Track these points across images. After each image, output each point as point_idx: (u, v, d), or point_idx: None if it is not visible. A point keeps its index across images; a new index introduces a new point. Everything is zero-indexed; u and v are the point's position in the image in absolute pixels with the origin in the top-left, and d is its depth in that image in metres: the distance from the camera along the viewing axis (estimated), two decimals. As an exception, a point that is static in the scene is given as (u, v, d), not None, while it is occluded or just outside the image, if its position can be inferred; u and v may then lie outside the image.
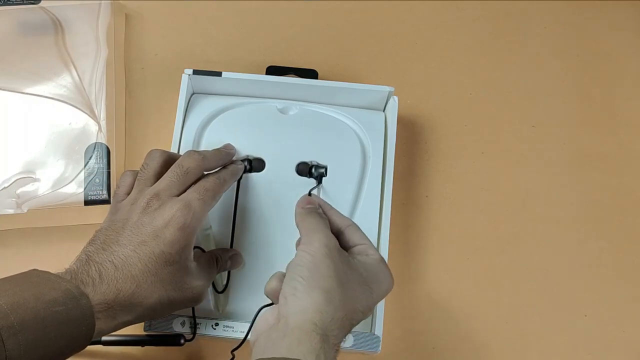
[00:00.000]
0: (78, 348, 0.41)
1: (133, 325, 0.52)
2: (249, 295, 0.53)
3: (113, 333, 0.52)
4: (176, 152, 0.56)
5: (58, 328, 0.38)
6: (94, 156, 0.57)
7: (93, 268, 0.42)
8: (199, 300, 0.47)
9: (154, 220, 0.44)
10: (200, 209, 0.45)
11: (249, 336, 0.45)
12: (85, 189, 0.55)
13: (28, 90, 0.58)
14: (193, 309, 0.51)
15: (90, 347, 0.53)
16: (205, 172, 0.49)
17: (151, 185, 0.47)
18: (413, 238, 0.59)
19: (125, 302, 0.42)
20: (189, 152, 0.49)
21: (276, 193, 0.53)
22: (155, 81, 0.63)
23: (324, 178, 0.56)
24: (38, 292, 0.38)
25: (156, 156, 0.49)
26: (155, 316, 0.46)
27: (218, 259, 0.50)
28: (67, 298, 0.39)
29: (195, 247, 0.52)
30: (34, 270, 0.41)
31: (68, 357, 0.40)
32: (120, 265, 0.42)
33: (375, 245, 0.55)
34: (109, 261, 0.42)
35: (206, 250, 0.53)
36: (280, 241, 0.54)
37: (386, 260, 0.53)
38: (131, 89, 0.63)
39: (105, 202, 0.55)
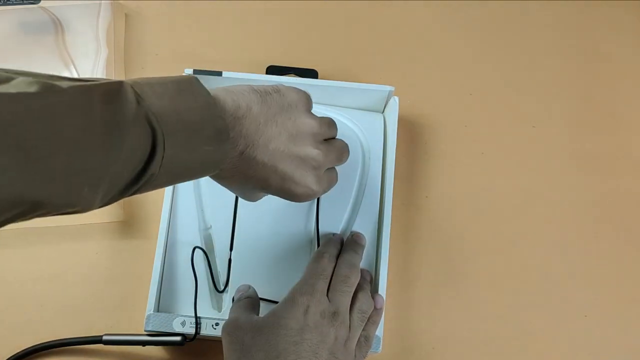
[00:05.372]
0: (201, 176, 0.40)
1: (134, 325, 0.53)
2: (249, 295, 0.53)
3: (114, 333, 0.52)
4: None
5: (202, 159, 0.37)
6: (94, 156, 0.56)
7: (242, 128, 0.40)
8: (303, 200, 0.46)
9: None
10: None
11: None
12: (85, 189, 0.55)
13: (28, 90, 0.58)
14: (195, 309, 0.51)
15: (90, 347, 0.53)
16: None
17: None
18: (413, 238, 0.59)
19: (241, 181, 0.42)
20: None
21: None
22: (155, 81, 0.63)
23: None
24: (201, 122, 0.37)
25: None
26: (268, 192, 0.45)
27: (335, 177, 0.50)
28: (217, 141, 0.38)
29: (196, 247, 0.52)
30: (199, 85, 0.38)
31: (197, 177, 0.40)
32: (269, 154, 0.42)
33: (375, 246, 0.55)
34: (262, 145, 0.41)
35: (206, 250, 0.53)
36: (281, 241, 0.54)
37: (387, 260, 0.53)
38: (131, 89, 0.63)
39: (106, 202, 0.55)
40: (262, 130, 0.41)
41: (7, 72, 0.30)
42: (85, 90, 0.31)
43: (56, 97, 0.30)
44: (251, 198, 0.47)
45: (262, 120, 0.41)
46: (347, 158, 0.49)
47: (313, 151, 0.43)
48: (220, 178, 0.43)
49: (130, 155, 0.33)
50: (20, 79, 0.29)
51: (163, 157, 0.34)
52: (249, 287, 0.51)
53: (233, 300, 0.51)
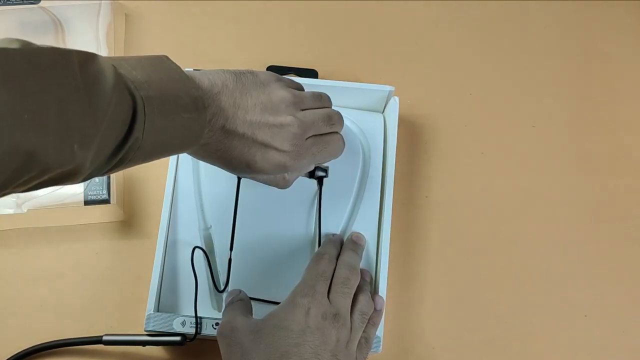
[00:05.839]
0: (185, 149, 0.42)
1: (134, 325, 0.53)
2: (249, 295, 0.53)
3: (114, 333, 0.52)
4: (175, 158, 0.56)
5: (182, 128, 0.39)
6: (94, 156, 0.56)
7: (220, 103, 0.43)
8: (294, 168, 0.48)
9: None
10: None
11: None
12: (85, 189, 0.55)
13: (28, 90, 0.58)
14: (195, 309, 0.51)
15: (90, 347, 0.53)
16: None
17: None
18: (413, 238, 0.59)
19: (227, 156, 0.44)
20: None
21: (276, 193, 0.53)
22: (155, 81, 0.63)
23: (324, 179, 0.56)
24: (177, 91, 0.39)
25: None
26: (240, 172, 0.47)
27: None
28: (194, 110, 0.40)
29: (195, 247, 0.52)
30: (171, 62, 0.41)
31: (176, 153, 0.42)
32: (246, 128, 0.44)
33: (375, 246, 0.55)
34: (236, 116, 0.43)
35: (206, 250, 0.53)
36: (281, 240, 0.54)
37: (387, 260, 0.53)
38: (131, 89, 0.63)
39: (105, 202, 0.55)
40: (238, 104, 0.43)
41: None
42: (62, 52, 0.32)
43: (38, 54, 0.31)
44: (244, 174, 0.48)
45: (238, 95, 0.43)
46: (339, 122, 0.50)
47: (287, 118, 0.45)
48: (209, 156, 0.44)
49: (114, 118, 0.34)
50: (1, 38, 0.31)
51: (145, 121, 0.36)
52: (240, 291, 0.51)
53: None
